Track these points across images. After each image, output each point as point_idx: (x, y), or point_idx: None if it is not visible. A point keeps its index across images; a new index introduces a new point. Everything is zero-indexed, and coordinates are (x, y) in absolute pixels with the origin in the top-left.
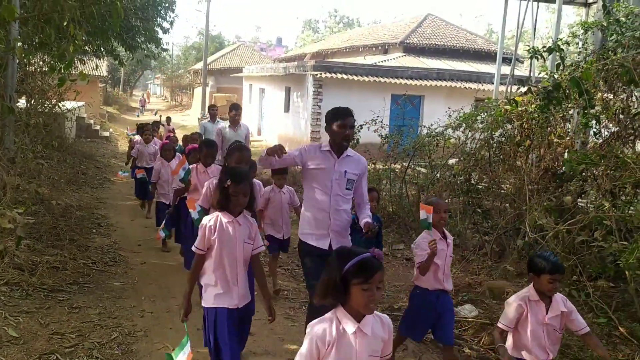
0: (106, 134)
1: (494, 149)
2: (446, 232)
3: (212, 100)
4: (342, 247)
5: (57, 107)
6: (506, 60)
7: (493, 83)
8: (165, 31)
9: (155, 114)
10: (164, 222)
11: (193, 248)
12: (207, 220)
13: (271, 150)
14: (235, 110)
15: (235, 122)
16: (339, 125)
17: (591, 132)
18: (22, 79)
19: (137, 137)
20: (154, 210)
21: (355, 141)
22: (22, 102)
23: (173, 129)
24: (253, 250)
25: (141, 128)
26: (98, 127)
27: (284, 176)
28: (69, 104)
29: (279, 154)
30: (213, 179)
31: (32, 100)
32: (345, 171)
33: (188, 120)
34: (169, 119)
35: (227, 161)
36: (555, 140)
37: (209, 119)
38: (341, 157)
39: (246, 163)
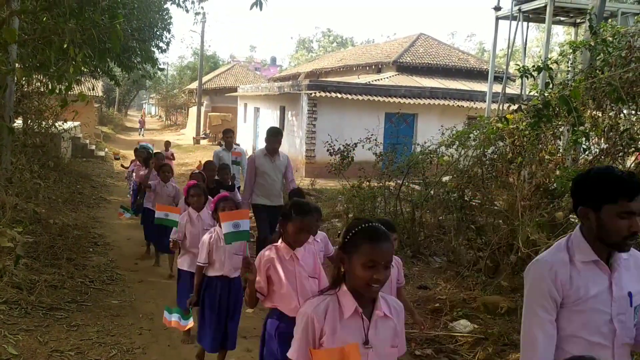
0: (101, 153)
1: (486, 166)
2: None
3: (207, 119)
4: None
5: (53, 127)
6: (498, 78)
7: (485, 101)
8: (162, 51)
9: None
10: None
11: None
12: None
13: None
14: (274, 136)
15: (274, 150)
16: (626, 212)
17: (581, 149)
18: (20, 99)
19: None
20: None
21: (349, 159)
22: (19, 123)
23: (172, 154)
24: None
25: (160, 167)
26: (93, 147)
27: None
28: (65, 124)
29: None
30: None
31: (29, 121)
32: (630, 293)
33: (183, 139)
34: (168, 143)
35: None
36: (547, 157)
37: (223, 147)
38: (613, 267)
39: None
